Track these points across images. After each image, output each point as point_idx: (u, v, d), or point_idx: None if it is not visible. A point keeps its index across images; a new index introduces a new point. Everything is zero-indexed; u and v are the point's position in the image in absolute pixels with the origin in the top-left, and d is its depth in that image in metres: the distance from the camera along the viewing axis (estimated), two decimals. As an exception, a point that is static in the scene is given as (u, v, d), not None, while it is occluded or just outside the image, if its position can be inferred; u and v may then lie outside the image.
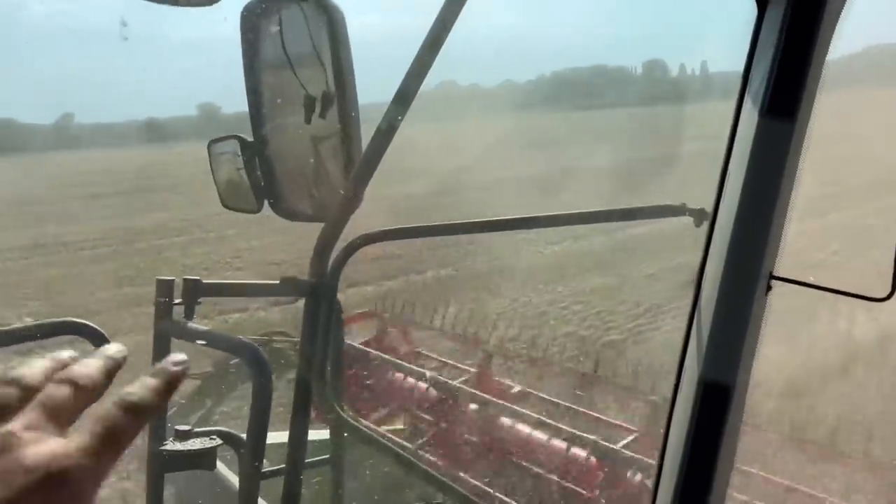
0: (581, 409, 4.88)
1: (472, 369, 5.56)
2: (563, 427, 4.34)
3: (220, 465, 2.98)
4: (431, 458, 4.24)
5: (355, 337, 5.89)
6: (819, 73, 1.32)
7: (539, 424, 4.37)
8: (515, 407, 4.61)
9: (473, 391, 4.81)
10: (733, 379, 1.31)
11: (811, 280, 1.38)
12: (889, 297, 1.27)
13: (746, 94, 1.35)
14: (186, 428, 2.24)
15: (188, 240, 18.63)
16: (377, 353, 5.59)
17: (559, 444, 4.18)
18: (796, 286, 1.39)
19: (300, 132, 2.23)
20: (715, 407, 1.32)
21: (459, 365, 5.74)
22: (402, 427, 4.89)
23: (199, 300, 2.23)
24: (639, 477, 3.69)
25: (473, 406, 4.68)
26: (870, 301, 1.30)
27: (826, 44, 1.31)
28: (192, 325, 2.15)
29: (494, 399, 4.70)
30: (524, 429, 4.38)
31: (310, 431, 3.29)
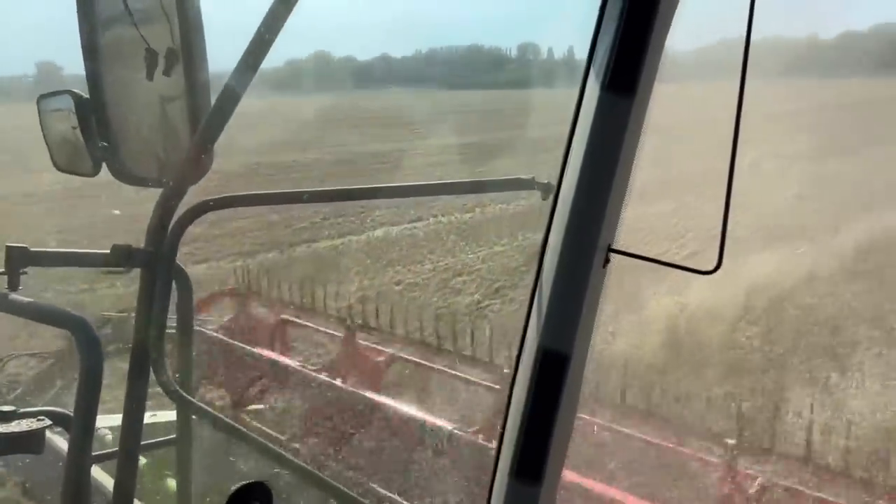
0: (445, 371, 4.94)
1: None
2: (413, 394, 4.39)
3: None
4: (280, 436, 4.16)
5: (214, 316, 5.69)
6: (659, 53, 1.36)
7: (387, 396, 4.40)
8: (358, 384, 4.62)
9: (323, 375, 4.77)
10: (571, 348, 1.34)
11: (646, 254, 1.43)
12: (715, 270, 1.34)
13: (590, 71, 1.38)
14: (9, 409, 2.06)
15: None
16: (230, 334, 5.41)
17: (409, 413, 4.22)
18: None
19: (142, 89, 2.07)
20: (553, 375, 1.35)
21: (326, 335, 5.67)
22: (254, 407, 4.77)
23: (24, 269, 2.04)
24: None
25: (330, 387, 4.65)
26: (698, 273, 1.37)
27: (666, 23, 1.35)
28: (16, 296, 1.96)
29: (344, 379, 4.69)
30: (371, 403, 4.39)
31: (162, 413, 3.14)
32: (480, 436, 3.88)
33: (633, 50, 1.32)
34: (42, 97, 2.22)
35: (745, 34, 1.27)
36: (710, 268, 1.34)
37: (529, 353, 1.38)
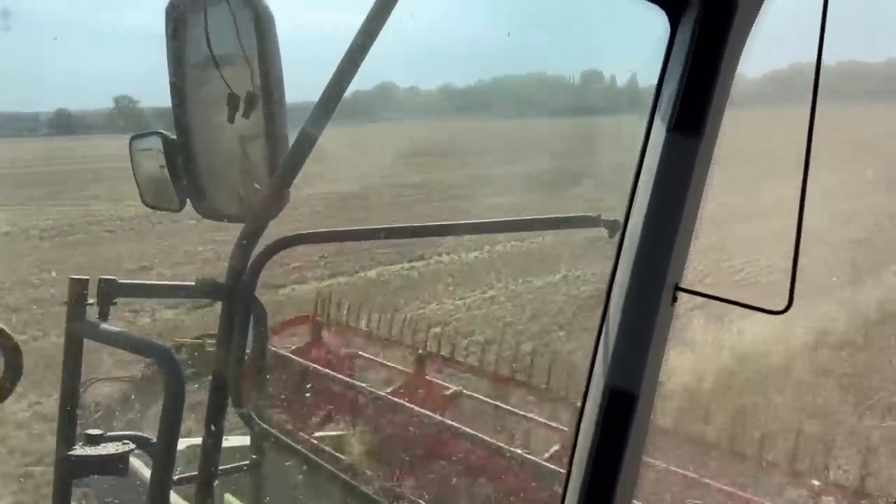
0: (511, 409, 4.91)
1: (405, 369, 5.55)
2: (486, 427, 4.36)
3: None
4: (356, 465, 4.18)
5: (287, 342, 5.79)
6: (727, 91, 1.37)
7: (463, 426, 4.37)
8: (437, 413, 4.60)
9: (398, 399, 4.78)
10: (638, 386, 1.35)
11: (714, 293, 1.43)
12: (786, 310, 1.33)
13: (657, 109, 1.39)
14: (97, 432, 2.17)
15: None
16: (306, 360, 5.49)
17: (482, 445, 4.20)
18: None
19: (225, 130, 2.19)
20: (620, 413, 1.35)
21: (392, 364, 5.68)
22: (329, 433, 4.81)
23: (114, 301, 2.17)
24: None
25: (400, 412, 4.65)
26: (768, 313, 1.36)
27: (733, 62, 1.36)
28: (105, 326, 2.08)
29: (419, 405, 4.69)
30: (448, 432, 4.38)
31: (236, 437, 3.23)
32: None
33: (700, 89, 1.34)
34: (133, 138, 2.37)
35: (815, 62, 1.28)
36: (781, 307, 1.33)
37: (596, 390, 1.38)
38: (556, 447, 4.24)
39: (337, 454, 4.08)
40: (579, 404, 1.46)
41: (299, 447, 2.73)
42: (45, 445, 7.23)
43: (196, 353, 6.69)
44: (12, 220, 19.68)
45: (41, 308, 11.91)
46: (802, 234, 1.30)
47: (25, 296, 12.57)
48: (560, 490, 1.47)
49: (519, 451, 4.03)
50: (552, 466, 3.86)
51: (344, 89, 1.95)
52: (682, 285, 1.40)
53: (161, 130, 2.25)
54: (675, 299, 1.39)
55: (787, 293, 1.30)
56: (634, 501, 1.45)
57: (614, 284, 1.41)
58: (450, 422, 4.43)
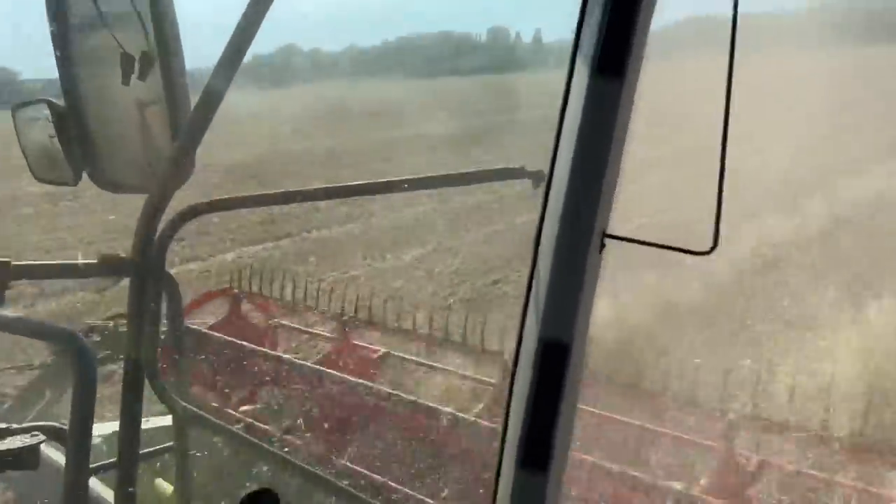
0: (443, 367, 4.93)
1: (332, 335, 5.49)
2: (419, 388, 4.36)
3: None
4: (285, 438, 4.11)
5: (207, 317, 5.61)
6: (646, 32, 1.35)
7: (395, 391, 4.36)
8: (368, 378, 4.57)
9: (323, 368, 4.71)
10: (570, 336, 1.34)
11: (641, 238, 1.43)
12: (711, 250, 1.34)
13: (578, 55, 1.36)
14: (3, 425, 2.03)
15: None
16: (226, 336, 5.33)
17: (416, 408, 4.20)
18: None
19: (120, 95, 2.04)
20: (554, 364, 1.34)
21: (319, 332, 5.59)
22: (254, 408, 4.71)
23: (9, 284, 2.00)
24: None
25: (330, 382, 4.59)
26: (694, 255, 1.37)
27: (652, 1, 1.34)
28: (2, 312, 1.93)
29: (349, 373, 4.64)
30: (379, 398, 4.36)
31: (154, 419, 3.11)
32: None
33: (621, 31, 1.31)
34: (17, 106, 2.18)
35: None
36: (706, 248, 1.35)
37: (529, 343, 1.37)
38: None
39: (265, 426, 4.01)
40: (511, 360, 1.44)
41: (224, 424, 2.64)
42: None
43: (108, 335, 6.39)
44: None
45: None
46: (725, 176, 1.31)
47: None
48: (497, 445, 1.46)
49: (451, 411, 4.04)
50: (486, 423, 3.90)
51: (246, 46, 1.82)
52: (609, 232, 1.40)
53: (47, 97, 2.07)
54: (602, 246, 1.39)
55: (712, 233, 1.32)
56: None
57: (542, 236, 1.39)
58: (379, 386, 4.41)
